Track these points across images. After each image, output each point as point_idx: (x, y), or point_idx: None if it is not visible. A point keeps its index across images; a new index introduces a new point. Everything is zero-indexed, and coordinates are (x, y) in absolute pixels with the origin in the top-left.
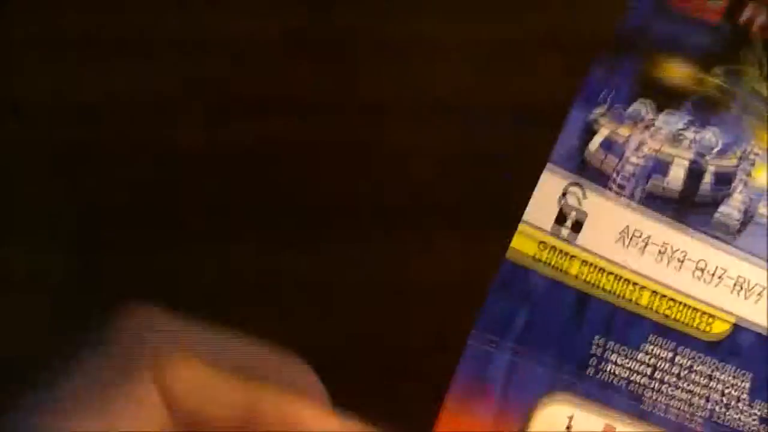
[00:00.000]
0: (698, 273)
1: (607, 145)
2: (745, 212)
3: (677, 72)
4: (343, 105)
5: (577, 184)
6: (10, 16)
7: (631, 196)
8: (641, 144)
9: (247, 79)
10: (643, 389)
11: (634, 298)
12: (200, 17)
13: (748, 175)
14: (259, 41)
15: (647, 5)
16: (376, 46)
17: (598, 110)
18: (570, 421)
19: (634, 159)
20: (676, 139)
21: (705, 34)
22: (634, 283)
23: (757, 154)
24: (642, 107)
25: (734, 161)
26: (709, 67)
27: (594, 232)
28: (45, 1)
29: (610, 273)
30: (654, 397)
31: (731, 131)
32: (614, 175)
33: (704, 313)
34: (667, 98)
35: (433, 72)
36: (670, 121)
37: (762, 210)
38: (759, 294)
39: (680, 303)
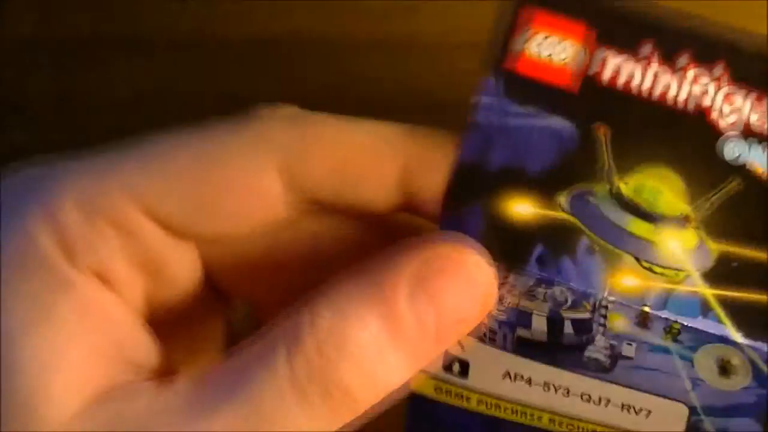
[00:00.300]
0: (585, 402)
1: None
2: (611, 353)
3: (518, 215)
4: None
5: None
6: (10, 16)
7: (504, 346)
8: (502, 299)
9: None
10: None
11: (537, 424)
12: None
13: (604, 324)
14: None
15: (496, 94)
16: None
17: None
18: None
19: (498, 313)
20: (530, 294)
21: (553, 140)
22: (531, 413)
23: (608, 305)
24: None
25: (587, 313)
26: (554, 193)
27: (481, 374)
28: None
29: (507, 407)
30: None
31: (580, 283)
32: (483, 326)
33: (604, 430)
34: (512, 259)
35: None
36: (520, 281)
37: (627, 351)
38: (646, 414)
39: (579, 425)
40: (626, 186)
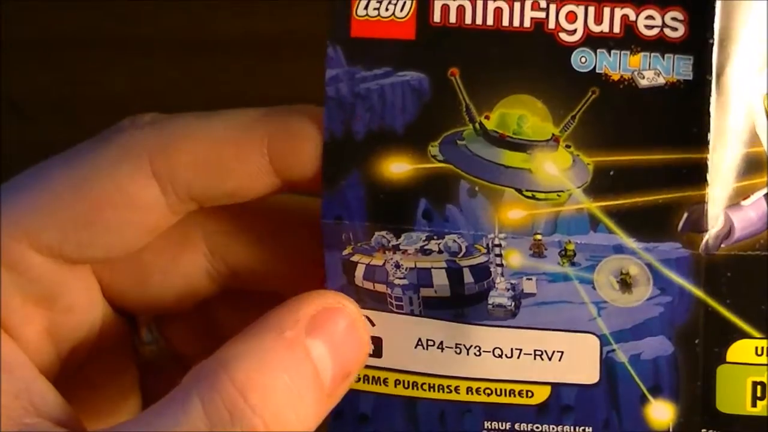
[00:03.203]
0: (498, 358)
1: (370, 274)
2: (514, 294)
3: (397, 174)
4: None
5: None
6: (10, 16)
7: (411, 311)
8: (397, 265)
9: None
10: None
11: (454, 396)
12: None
13: (501, 263)
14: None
15: (340, 64)
16: None
17: (347, 250)
18: None
19: (398, 280)
20: (424, 252)
21: (408, 94)
22: (448, 385)
23: (500, 242)
24: (382, 238)
25: (483, 256)
26: (424, 145)
27: (394, 350)
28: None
29: (423, 382)
30: None
31: (469, 227)
32: (389, 296)
33: (521, 389)
34: (398, 221)
35: None
36: (411, 241)
37: (527, 287)
38: (559, 356)
39: (495, 388)
40: (489, 121)
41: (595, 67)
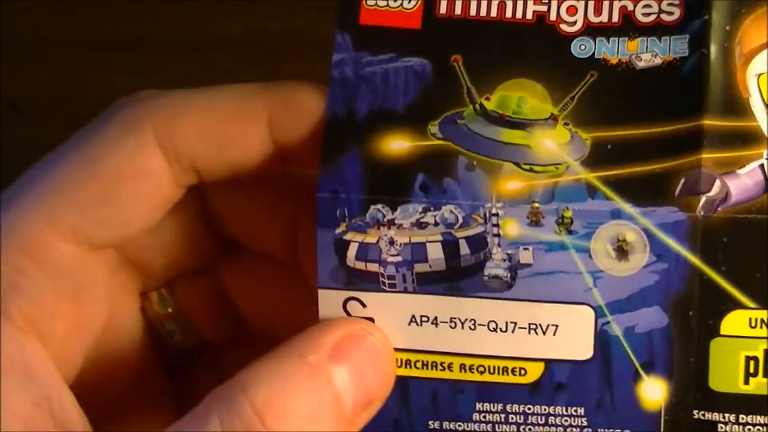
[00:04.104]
0: (492, 332)
1: (363, 254)
2: (510, 265)
3: (396, 150)
4: None
5: (352, 297)
6: (10, 16)
7: (405, 288)
8: (392, 242)
9: None
10: None
11: (447, 374)
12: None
13: (498, 233)
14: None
15: (347, 49)
16: None
17: (341, 228)
18: None
19: (391, 257)
20: (420, 226)
21: (411, 77)
22: (441, 362)
23: (498, 212)
24: (377, 213)
25: (480, 226)
26: (424, 124)
27: (386, 329)
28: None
29: (417, 360)
30: None
31: (466, 198)
32: (381, 275)
33: (514, 364)
34: (395, 192)
35: None
36: (407, 214)
37: (524, 257)
38: (553, 329)
39: (489, 365)
40: (489, 102)
41: (594, 53)
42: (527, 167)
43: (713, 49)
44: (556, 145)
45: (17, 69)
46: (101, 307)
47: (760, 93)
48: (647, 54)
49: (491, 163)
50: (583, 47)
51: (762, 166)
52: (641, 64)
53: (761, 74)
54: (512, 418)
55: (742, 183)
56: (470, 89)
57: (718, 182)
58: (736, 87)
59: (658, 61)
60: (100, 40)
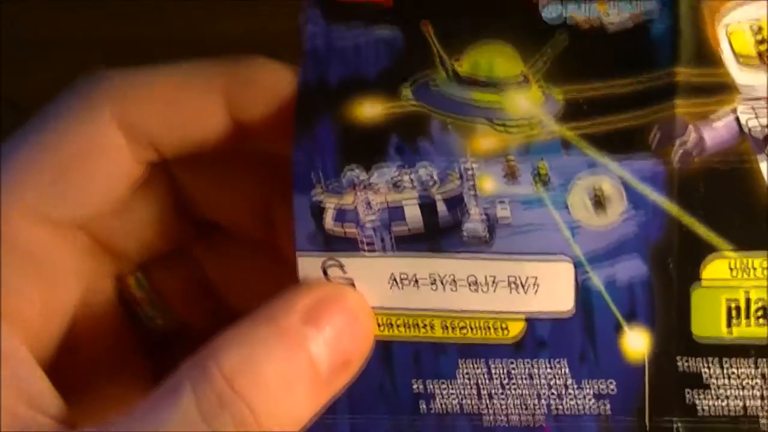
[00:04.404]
0: (473, 288)
1: (340, 217)
2: (488, 221)
3: (369, 115)
4: None
5: (331, 259)
6: (10, 16)
7: (383, 249)
8: (368, 204)
9: None
10: (478, 405)
11: (429, 334)
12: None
13: (474, 190)
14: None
15: (318, 23)
16: None
17: (316, 191)
18: None
19: (369, 219)
20: (396, 186)
21: (382, 47)
22: (423, 322)
23: (473, 168)
24: (352, 174)
25: (456, 184)
26: (397, 89)
27: (367, 291)
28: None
29: (398, 320)
30: (491, 411)
31: (441, 157)
32: (359, 238)
33: (495, 322)
34: (369, 154)
35: None
36: (383, 175)
37: (501, 213)
38: (534, 285)
39: (470, 323)
40: (461, 66)
41: (564, 16)
42: (500, 124)
43: (683, 4)
44: (529, 103)
45: (17, 69)
46: (71, 288)
47: (730, 44)
48: (615, 14)
49: (465, 124)
50: (553, 12)
51: (735, 114)
52: (612, 27)
53: (731, 25)
54: (496, 376)
55: (716, 132)
56: (441, 54)
57: (692, 131)
58: (707, 39)
59: (629, 24)
60: (100, 40)
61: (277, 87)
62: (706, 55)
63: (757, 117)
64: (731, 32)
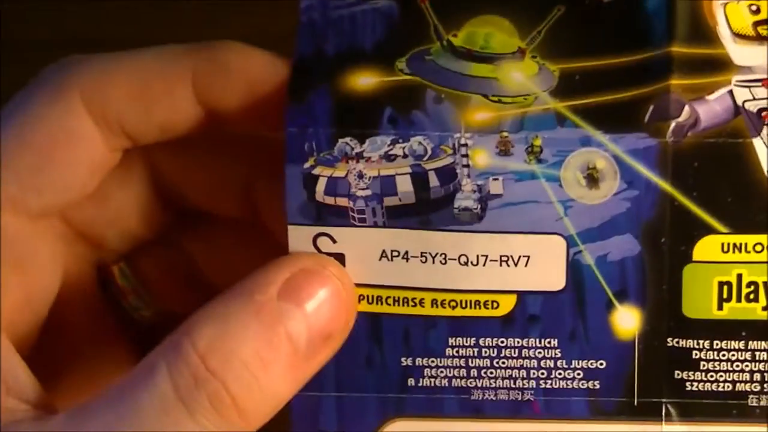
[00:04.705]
0: (464, 266)
1: (332, 188)
2: (480, 196)
3: (364, 86)
4: None
5: (322, 233)
6: (10, 16)
7: (375, 223)
8: (360, 175)
9: None
10: (467, 380)
11: (418, 309)
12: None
13: (467, 164)
14: None
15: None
16: None
17: (309, 162)
18: None
19: (360, 191)
20: (388, 158)
21: (378, 18)
22: (413, 298)
23: (467, 142)
24: (345, 146)
25: (449, 157)
26: (392, 61)
27: (357, 264)
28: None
29: (388, 296)
30: (480, 386)
31: (434, 130)
32: (350, 210)
33: (486, 299)
34: (363, 126)
35: None
36: (376, 146)
37: (494, 188)
38: (525, 262)
39: (461, 300)
40: (457, 38)
41: None
42: (495, 98)
43: None
44: (524, 77)
45: (17, 69)
46: (51, 277)
47: (727, 21)
48: None
49: (459, 96)
50: None
51: (730, 92)
52: None
53: (728, 3)
54: (485, 352)
55: (711, 108)
56: (437, 26)
57: (687, 107)
58: (703, 16)
59: None
60: (100, 40)
61: (248, 71)
62: (702, 31)
63: (752, 95)
64: (728, 8)
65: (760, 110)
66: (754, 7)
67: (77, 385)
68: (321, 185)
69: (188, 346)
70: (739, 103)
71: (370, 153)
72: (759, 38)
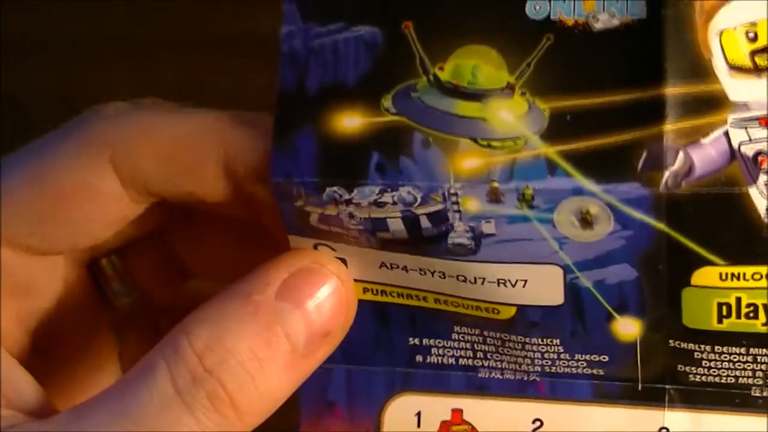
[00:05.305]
0: (462, 282)
1: (324, 220)
2: (473, 235)
3: (349, 128)
4: None
5: (322, 243)
6: (10, 16)
7: (371, 246)
8: (351, 215)
9: None
10: (473, 360)
11: (422, 304)
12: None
13: (458, 210)
14: None
15: (295, 20)
16: None
17: (299, 203)
18: (419, 419)
19: (353, 226)
20: (378, 205)
21: (362, 48)
22: (416, 295)
23: (456, 191)
24: (333, 194)
25: (439, 204)
26: (377, 98)
27: (359, 267)
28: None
29: (392, 291)
30: (487, 365)
31: (423, 178)
32: (346, 235)
33: (487, 306)
34: (350, 175)
35: None
36: (364, 195)
37: (486, 228)
38: (523, 284)
39: (462, 303)
40: (443, 72)
41: (549, 13)
42: (484, 143)
43: (672, 8)
44: (513, 116)
45: (17, 69)
46: (49, 295)
47: (723, 52)
48: (604, 14)
49: (447, 139)
50: (537, 7)
51: (726, 133)
52: (598, 26)
53: (724, 30)
54: (490, 341)
55: (706, 154)
56: (423, 58)
57: (681, 154)
58: (698, 47)
59: (615, 22)
60: (100, 40)
61: None
62: (697, 65)
63: (749, 136)
64: (724, 37)
65: (757, 154)
66: (751, 34)
67: (73, 383)
68: (314, 218)
69: (186, 344)
70: (735, 145)
71: (359, 200)
72: (756, 70)
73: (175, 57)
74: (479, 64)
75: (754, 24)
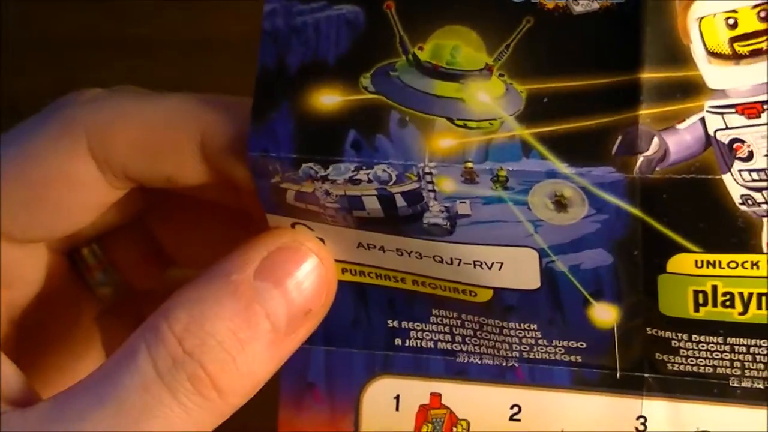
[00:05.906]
0: (438, 263)
1: (301, 197)
2: (449, 215)
3: (327, 105)
4: None
5: (299, 222)
6: (10, 16)
7: (347, 225)
8: (327, 192)
9: None
10: (452, 344)
11: (400, 285)
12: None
13: (433, 189)
14: None
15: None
16: None
17: (275, 179)
18: (398, 402)
19: (329, 204)
20: (353, 182)
21: (343, 27)
22: (394, 276)
23: (431, 171)
24: (309, 170)
25: (414, 183)
26: (356, 77)
27: (335, 247)
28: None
29: (370, 271)
30: (465, 350)
31: (398, 157)
32: (323, 213)
33: (464, 288)
34: (326, 151)
35: None
36: (340, 172)
37: (462, 209)
38: (499, 266)
39: (440, 284)
40: (422, 52)
41: None
42: (461, 123)
43: None
44: (490, 98)
45: (17, 69)
46: (32, 284)
47: (702, 39)
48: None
49: (424, 119)
50: None
51: (702, 119)
52: (578, 9)
53: (703, 17)
54: (468, 324)
55: (681, 139)
56: (403, 38)
57: (656, 139)
58: (677, 33)
59: (595, 5)
60: (100, 40)
61: None
62: (675, 51)
63: (725, 123)
64: (703, 24)
65: (732, 141)
66: (731, 21)
67: (57, 371)
68: (290, 195)
69: (165, 327)
70: (711, 132)
71: (335, 177)
72: (735, 57)
73: (175, 57)
74: (459, 45)
75: (734, 11)
